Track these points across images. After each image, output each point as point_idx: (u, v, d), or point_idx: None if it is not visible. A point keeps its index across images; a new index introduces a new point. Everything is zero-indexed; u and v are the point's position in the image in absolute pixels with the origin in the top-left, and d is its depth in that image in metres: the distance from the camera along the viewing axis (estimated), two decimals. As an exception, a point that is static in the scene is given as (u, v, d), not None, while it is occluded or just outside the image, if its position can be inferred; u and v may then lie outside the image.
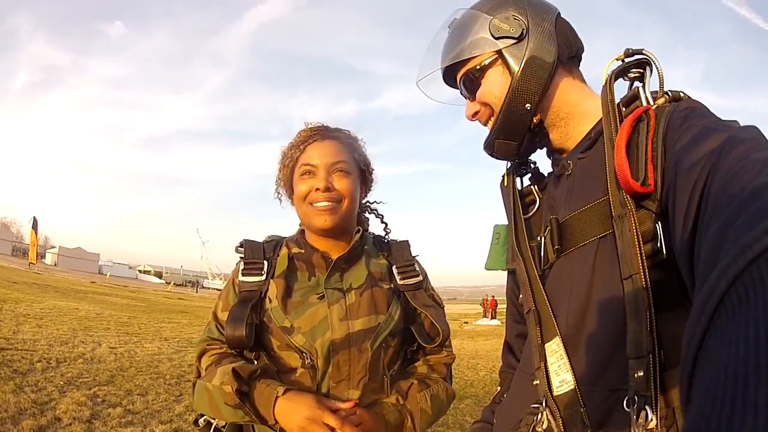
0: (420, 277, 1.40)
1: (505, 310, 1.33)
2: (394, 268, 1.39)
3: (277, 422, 1.16)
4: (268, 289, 1.29)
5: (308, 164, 1.30)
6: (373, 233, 1.50)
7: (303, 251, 1.35)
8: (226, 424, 1.29)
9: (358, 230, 1.37)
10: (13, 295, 13.91)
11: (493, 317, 29.51)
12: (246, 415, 1.17)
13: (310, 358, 1.22)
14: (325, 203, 1.27)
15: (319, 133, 1.34)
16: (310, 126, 1.38)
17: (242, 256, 1.35)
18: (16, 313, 10.27)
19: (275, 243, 1.39)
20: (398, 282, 1.37)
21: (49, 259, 79.05)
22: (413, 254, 1.44)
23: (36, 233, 39.34)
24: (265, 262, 1.33)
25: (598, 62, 0.98)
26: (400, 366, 1.36)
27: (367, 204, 1.48)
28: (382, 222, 1.51)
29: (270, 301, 1.27)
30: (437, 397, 1.34)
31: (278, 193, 1.43)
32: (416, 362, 1.40)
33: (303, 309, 1.25)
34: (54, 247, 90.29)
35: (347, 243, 1.35)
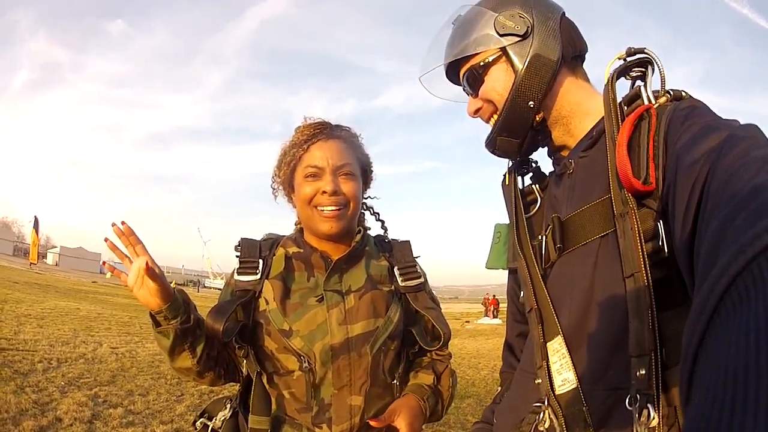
0: (421, 279, 1.38)
1: (506, 309, 1.33)
2: (395, 269, 1.37)
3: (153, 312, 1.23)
4: (262, 288, 1.28)
5: (314, 166, 1.26)
6: (370, 228, 1.49)
7: (302, 251, 1.34)
8: (222, 424, 1.30)
9: (359, 230, 1.36)
10: (15, 295, 13.90)
11: (495, 316, 29.46)
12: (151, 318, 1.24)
13: (308, 362, 1.21)
14: (333, 208, 1.25)
15: (323, 132, 1.31)
16: (310, 122, 1.34)
17: (238, 255, 1.33)
18: (18, 313, 10.27)
19: (272, 242, 1.37)
20: (399, 283, 1.35)
21: (50, 258, 78.96)
22: (415, 255, 1.42)
23: (37, 233, 39.26)
24: (260, 261, 1.31)
25: (598, 63, 0.98)
26: (404, 369, 1.35)
27: (365, 201, 1.46)
28: (378, 220, 1.49)
29: (267, 303, 1.26)
30: (456, 383, 1.41)
31: (274, 189, 1.41)
32: (425, 357, 1.42)
33: (302, 312, 1.24)
34: (55, 246, 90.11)
35: (348, 244, 1.33)
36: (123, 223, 1.24)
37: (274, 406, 1.25)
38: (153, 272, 1.18)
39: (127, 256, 1.24)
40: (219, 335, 1.18)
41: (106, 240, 1.24)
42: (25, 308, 11.25)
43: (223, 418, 1.31)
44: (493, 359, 10.27)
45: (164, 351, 1.25)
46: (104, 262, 1.30)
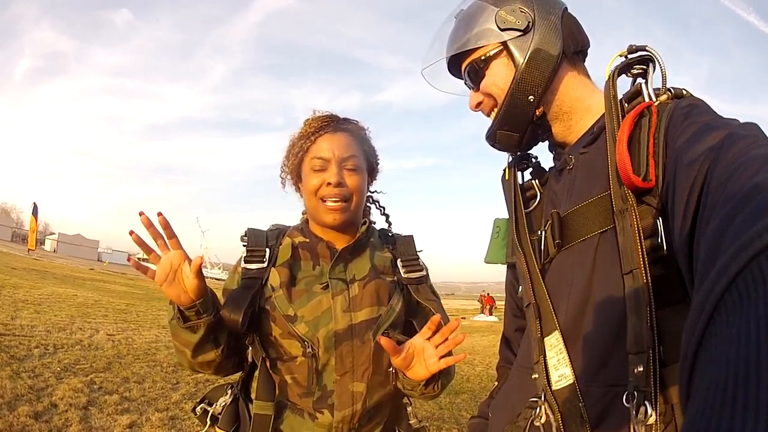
0: (423, 272, 1.40)
1: (503, 307, 1.33)
2: (398, 261, 1.39)
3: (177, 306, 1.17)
4: (269, 276, 1.29)
5: (320, 157, 1.28)
6: (375, 222, 1.49)
7: (307, 240, 1.36)
8: (223, 410, 1.30)
9: (365, 222, 1.38)
10: (12, 281, 13.92)
11: (491, 314, 29.50)
12: (172, 307, 1.19)
13: (312, 348, 1.22)
14: (336, 199, 1.27)
15: (331, 124, 1.33)
16: (318, 115, 1.37)
17: (245, 244, 1.34)
18: (15, 299, 10.30)
19: (278, 232, 1.39)
20: (402, 275, 1.37)
21: (48, 245, 78.99)
22: (418, 249, 1.44)
23: (36, 219, 39.19)
24: (267, 250, 1.33)
25: (600, 62, 0.99)
26: None
27: (370, 195, 1.48)
28: (383, 214, 1.51)
29: (273, 290, 1.27)
30: (454, 366, 1.34)
31: (282, 179, 1.43)
32: None
33: (307, 298, 1.26)
34: (54, 233, 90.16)
35: (352, 235, 1.35)
36: (159, 214, 1.13)
37: (276, 392, 1.27)
38: (200, 269, 1.14)
39: (153, 251, 1.15)
40: (238, 326, 1.19)
41: (131, 233, 1.11)
42: (22, 294, 11.27)
43: (223, 403, 1.32)
44: (488, 356, 10.30)
45: (188, 347, 1.20)
46: (129, 257, 1.19)
